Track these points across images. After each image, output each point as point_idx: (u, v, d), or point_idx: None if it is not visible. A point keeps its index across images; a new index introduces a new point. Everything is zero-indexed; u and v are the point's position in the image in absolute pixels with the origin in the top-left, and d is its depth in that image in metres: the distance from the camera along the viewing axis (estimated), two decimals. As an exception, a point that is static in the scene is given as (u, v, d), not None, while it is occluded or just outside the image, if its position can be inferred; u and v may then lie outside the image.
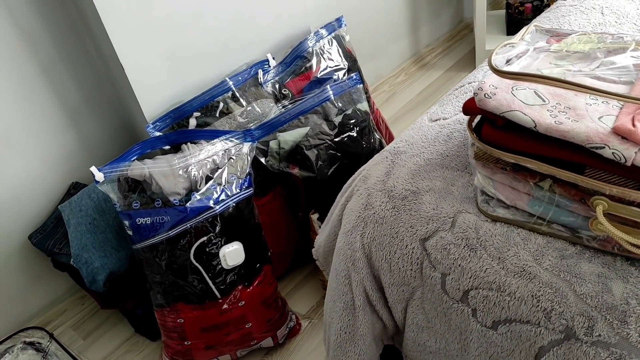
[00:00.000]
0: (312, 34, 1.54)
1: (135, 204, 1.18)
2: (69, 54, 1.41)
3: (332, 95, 1.42)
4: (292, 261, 1.59)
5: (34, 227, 1.47)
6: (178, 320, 1.25)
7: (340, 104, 1.43)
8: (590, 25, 1.29)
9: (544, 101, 0.78)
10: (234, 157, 1.26)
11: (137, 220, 1.17)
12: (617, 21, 1.28)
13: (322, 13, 1.72)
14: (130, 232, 1.19)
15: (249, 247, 1.26)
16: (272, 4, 1.55)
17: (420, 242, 0.89)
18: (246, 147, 1.29)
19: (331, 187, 1.31)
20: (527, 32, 0.94)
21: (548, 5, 2.30)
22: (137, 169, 1.19)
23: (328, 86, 1.42)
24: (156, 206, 1.17)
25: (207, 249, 1.20)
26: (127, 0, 1.24)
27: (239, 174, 1.25)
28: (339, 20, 1.62)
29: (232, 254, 1.22)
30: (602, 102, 0.77)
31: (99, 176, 1.18)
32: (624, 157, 0.69)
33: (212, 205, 1.19)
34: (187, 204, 1.17)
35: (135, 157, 1.24)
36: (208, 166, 1.22)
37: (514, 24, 2.37)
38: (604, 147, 0.70)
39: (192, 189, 1.19)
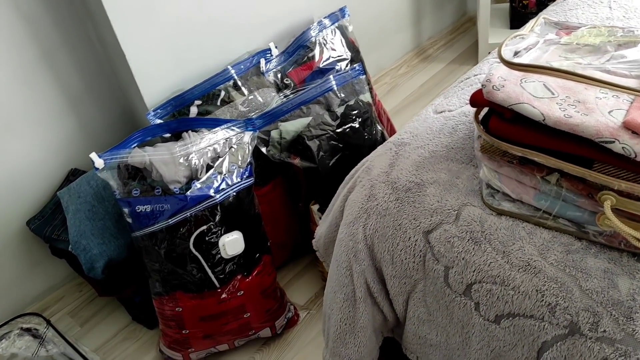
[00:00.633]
0: (315, 24, 1.53)
1: (135, 192, 1.17)
2: (70, 39, 1.40)
3: (334, 86, 1.41)
4: (292, 252, 1.58)
5: (33, 213, 1.46)
6: (176, 309, 1.24)
7: (342, 95, 1.41)
8: (597, 19, 1.28)
9: (553, 94, 0.77)
10: (235, 146, 1.25)
11: (136, 208, 1.17)
12: (626, 15, 1.26)
13: (325, 3, 1.71)
14: (129, 220, 1.19)
15: (249, 237, 1.25)
16: (275, -7, 1.54)
17: (424, 235, 0.89)
18: (247, 136, 1.28)
19: (332, 178, 1.30)
20: (536, 24, 0.93)
21: (553, 0, 2.28)
22: (138, 156, 1.18)
23: (331, 76, 1.41)
24: (156, 194, 1.16)
25: (207, 238, 1.19)
26: (129, -15, 1.23)
27: (239, 163, 1.24)
28: (342, 10, 1.60)
29: (232, 243, 1.21)
30: (613, 96, 0.76)
31: (99, 163, 1.18)
32: (634, 152, 0.68)
33: (213, 194, 1.18)
34: (188, 193, 1.16)
35: (135, 145, 1.23)
36: (209, 155, 1.21)
37: (518, 17, 2.35)
38: (613, 142, 0.70)
39: (192, 178, 1.18)
